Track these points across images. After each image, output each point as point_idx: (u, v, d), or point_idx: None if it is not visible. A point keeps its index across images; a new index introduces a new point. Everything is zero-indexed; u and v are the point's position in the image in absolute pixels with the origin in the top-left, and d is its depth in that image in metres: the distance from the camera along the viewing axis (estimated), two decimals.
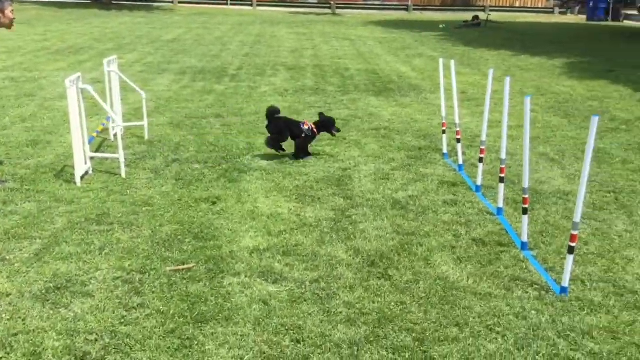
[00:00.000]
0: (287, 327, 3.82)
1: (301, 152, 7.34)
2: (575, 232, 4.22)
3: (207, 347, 3.63)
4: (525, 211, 4.98)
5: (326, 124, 7.52)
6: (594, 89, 12.58)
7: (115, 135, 7.54)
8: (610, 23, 34.96)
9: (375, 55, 18.01)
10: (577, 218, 4.20)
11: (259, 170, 6.84)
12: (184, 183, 6.39)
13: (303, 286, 4.33)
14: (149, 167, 6.86)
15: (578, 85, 13.08)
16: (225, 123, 9.04)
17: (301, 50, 18.63)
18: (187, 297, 4.14)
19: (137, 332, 3.76)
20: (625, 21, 35.94)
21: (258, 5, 40.65)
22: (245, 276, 4.44)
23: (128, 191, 6.12)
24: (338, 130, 7.68)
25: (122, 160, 6.54)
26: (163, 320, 3.88)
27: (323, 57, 17.04)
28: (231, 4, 40.63)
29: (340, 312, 4.01)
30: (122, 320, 3.89)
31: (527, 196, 5.00)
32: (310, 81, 13.03)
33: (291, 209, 5.75)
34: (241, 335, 3.73)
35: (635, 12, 39.61)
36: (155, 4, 39.27)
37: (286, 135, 7.25)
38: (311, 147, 7.48)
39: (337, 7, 38.78)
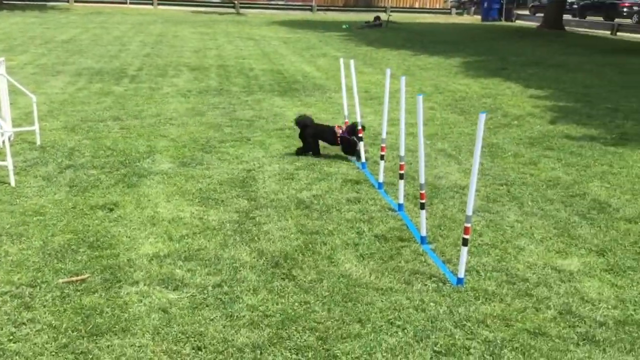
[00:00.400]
0: (187, 335, 3.73)
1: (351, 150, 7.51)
2: (468, 225, 4.39)
3: None
4: (422, 206, 5.12)
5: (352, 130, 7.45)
6: (488, 86, 13.16)
7: (3, 141, 7.11)
8: (503, 23, 36.74)
9: (279, 55, 18.02)
10: (470, 211, 4.36)
11: (159, 174, 6.65)
12: (78, 190, 6.11)
13: (205, 291, 4.24)
14: (41, 174, 6.51)
15: (473, 83, 13.64)
16: (124, 126, 8.74)
17: (204, 50, 18.35)
18: (81, 310, 3.96)
19: (27, 349, 3.55)
20: (517, 21, 37.89)
21: (159, 4, 39.67)
22: (144, 284, 4.30)
23: (17, 200, 5.78)
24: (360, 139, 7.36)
25: (10, 167, 6.17)
26: (55, 335, 3.68)
27: (227, 57, 16.86)
28: (130, 3, 39.41)
29: (244, 316, 3.96)
30: (11, 337, 3.66)
31: (423, 191, 5.16)
32: (214, 82, 12.86)
33: (193, 213, 5.63)
34: (139, 346, 3.60)
35: (527, 12, 41.81)
36: (50, 4, 37.47)
37: (317, 147, 7.56)
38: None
39: (241, 7, 38.53)
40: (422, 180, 5.11)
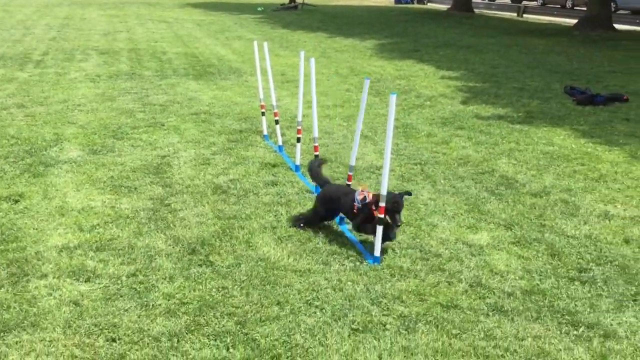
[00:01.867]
0: (101, 327, 3.61)
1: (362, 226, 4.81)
2: (383, 204, 4.46)
3: (10, 358, 3.32)
4: None
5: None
6: (402, 68, 13.41)
7: None
8: (415, 5, 37.47)
9: (193, 38, 17.64)
10: (384, 191, 4.44)
11: (68, 163, 6.38)
12: None
13: (119, 282, 4.13)
14: None
15: (388, 65, 13.86)
16: (29, 113, 8.32)
17: (114, 33, 17.70)
18: None
19: None
20: (429, 4, 38.72)
21: None
22: (54, 277, 4.13)
23: None
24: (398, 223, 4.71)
25: None
26: None
27: (138, 41, 16.35)
28: None
29: (159, 305, 3.88)
30: None
31: (351, 173, 5.17)
32: (125, 66, 12.44)
33: (105, 202, 5.45)
34: (49, 341, 3.47)
35: None
36: None
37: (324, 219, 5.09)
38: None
39: None
40: (353, 163, 5.12)
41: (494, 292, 4.16)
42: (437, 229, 5.14)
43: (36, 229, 4.86)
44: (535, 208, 5.63)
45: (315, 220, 5.03)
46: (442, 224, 5.24)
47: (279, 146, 7.16)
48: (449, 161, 6.92)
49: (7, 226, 4.88)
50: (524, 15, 30.48)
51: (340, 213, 5.04)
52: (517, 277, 4.38)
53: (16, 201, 5.37)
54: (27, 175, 5.98)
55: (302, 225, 5.03)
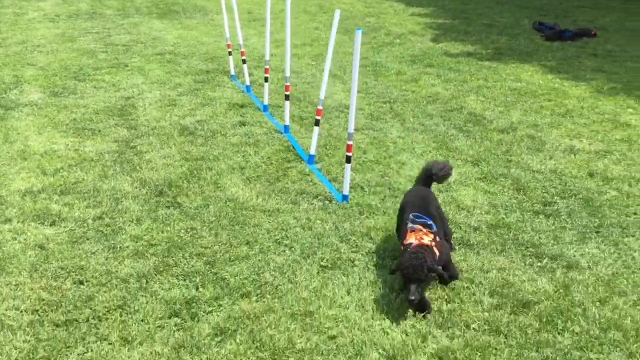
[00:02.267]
0: (67, 270, 3.59)
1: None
2: (350, 142, 4.45)
3: None
4: (317, 122, 5.09)
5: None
6: (371, 5, 13.15)
7: None
8: None
9: None
10: (351, 129, 4.41)
11: (29, 106, 6.20)
12: None
13: (85, 225, 4.08)
14: None
15: (357, 2, 13.57)
16: None
17: None
18: None
19: None
20: None
21: None
22: (18, 221, 4.07)
23: None
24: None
25: None
26: None
27: None
28: None
29: (127, 247, 3.86)
30: None
31: (320, 107, 5.08)
32: (86, 4, 11.98)
33: (68, 145, 5.33)
34: (15, 285, 3.44)
35: None
36: None
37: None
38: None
39: None
40: (322, 96, 5.02)
41: (460, 227, 4.22)
42: (406, 167, 5.15)
43: None
44: (502, 144, 5.66)
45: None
46: (410, 162, 5.25)
47: (247, 86, 7.04)
48: (418, 99, 6.89)
49: None
50: None
51: None
52: (483, 212, 4.44)
53: None
54: None
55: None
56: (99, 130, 5.67)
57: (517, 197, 4.67)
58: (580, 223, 4.31)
